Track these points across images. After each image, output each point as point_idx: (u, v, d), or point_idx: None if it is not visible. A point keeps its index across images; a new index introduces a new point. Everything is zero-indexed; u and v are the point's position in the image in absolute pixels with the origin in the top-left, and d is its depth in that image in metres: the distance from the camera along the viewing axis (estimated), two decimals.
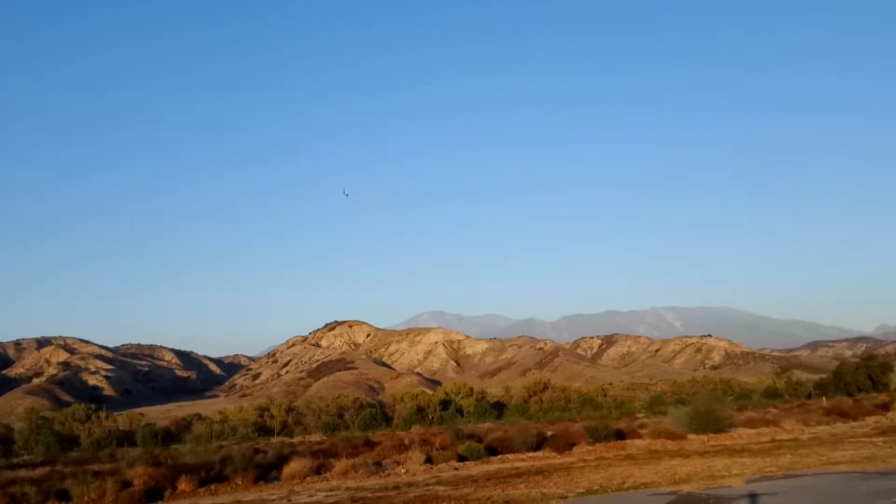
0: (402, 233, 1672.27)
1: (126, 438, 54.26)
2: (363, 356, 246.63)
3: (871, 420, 37.98)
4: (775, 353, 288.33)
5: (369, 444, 33.61)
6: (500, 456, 28.62)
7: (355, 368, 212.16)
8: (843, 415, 40.16)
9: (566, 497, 17.20)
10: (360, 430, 51.46)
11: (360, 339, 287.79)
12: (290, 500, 19.57)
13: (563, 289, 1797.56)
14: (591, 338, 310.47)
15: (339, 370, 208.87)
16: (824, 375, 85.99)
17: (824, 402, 52.79)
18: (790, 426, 35.78)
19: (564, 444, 30.42)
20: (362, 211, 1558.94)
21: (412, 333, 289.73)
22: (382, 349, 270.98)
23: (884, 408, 42.61)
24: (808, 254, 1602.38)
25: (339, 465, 25.56)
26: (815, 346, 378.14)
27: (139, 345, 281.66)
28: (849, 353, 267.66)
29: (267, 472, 25.69)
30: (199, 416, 71.00)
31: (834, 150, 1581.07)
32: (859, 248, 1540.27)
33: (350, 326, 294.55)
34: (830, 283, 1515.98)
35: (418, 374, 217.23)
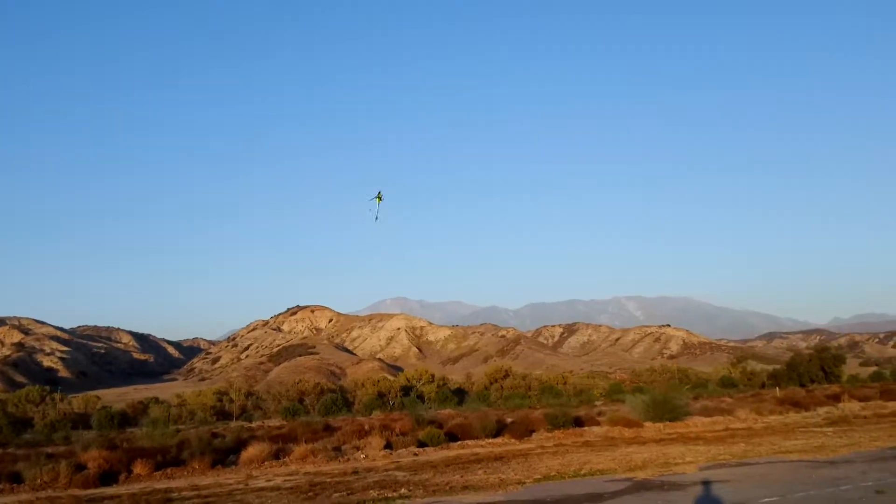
0: (365, 219, 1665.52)
1: (81, 421, 53.32)
2: (325, 341, 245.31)
3: (822, 410, 38.94)
4: (732, 344, 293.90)
5: (329, 430, 33.52)
6: (460, 442, 28.76)
7: (317, 353, 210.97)
8: (796, 405, 41.11)
9: (524, 483, 17.36)
10: (320, 415, 51.25)
11: (323, 324, 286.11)
12: (247, 485, 19.44)
13: (527, 277, 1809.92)
14: (553, 326, 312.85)
15: (301, 355, 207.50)
16: (778, 366, 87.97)
17: (778, 392, 53.98)
18: (744, 415, 36.51)
19: (524, 430, 30.67)
20: (327, 196, 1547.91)
21: (375, 319, 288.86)
22: (345, 334, 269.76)
23: (835, 399, 43.71)
24: (767, 247, 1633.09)
25: (299, 450, 25.44)
26: (770, 337, 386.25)
27: (96, 326, 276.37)
28: (803, 344, 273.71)
29: (225, 456, 25.47)
30: (157, 400, 70.15)
31: (791, 149, 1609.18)
32: (816, 243, 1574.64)
33: (312, 311, 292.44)
34: (787, 277, 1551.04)
35: (380, 359, 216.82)
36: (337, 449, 26.63)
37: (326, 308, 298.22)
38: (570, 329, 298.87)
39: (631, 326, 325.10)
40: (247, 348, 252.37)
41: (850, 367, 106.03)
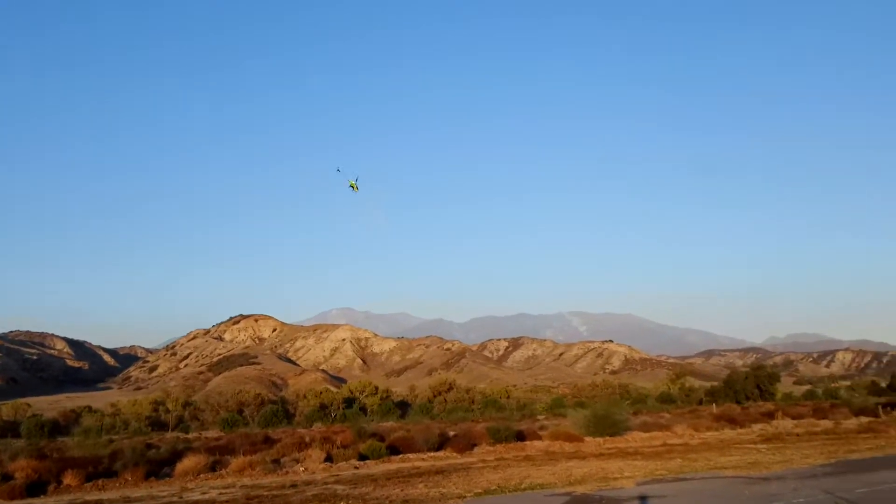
0: (313, 228, 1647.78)
1: (10, 429, 51.53)
2: (268, 351, 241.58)
3: (757, 427, 39.86)
4: (671, 360, 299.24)
5: (269, 442, 32.99)
6: (401, 455, 28.57)
7: (259, 364, 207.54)
8: (732, 421, 41.99)
9: (464, 497, 17.31)
10: (259, 426, 50.44)
11: (266, 333, 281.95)
12: (181, 498, 18.94)
13: (475, 291, 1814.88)
14: (499, 340, 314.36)
15: (242, 365, 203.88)
16: (716, 383, 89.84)
17: (714, 408, 55.02)
18: (681, 431, 37.13)
19: (466, 444, 30.64)
20: (274, 205, 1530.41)
21: (320, 329, 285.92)
22: (288, 345, 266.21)
23: (769, 416, 44.81)
24: (707, 267, 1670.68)
25: (236, 462, 24.96)
26: (708, 354, 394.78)
27: (29, 332, 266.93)
28: (740, 362, 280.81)
29: (159, 468, 24.85)
30: (90, 409, 68.24)
31: (736, 170, 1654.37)
32: (753, 263, 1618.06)
33: (256, 321, 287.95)
34: (726, 296, 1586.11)
35: (324, 371, 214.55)
36: (276, 461, 26.21)
37: (270, 318, 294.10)
38: (516, 343, 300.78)
39: (575, 341, 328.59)
40: (186, 357, 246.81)
41: (785, 385, 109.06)
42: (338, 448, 28.44)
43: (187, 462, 24.27)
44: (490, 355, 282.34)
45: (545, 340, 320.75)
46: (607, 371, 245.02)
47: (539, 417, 53.71)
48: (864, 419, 42.28)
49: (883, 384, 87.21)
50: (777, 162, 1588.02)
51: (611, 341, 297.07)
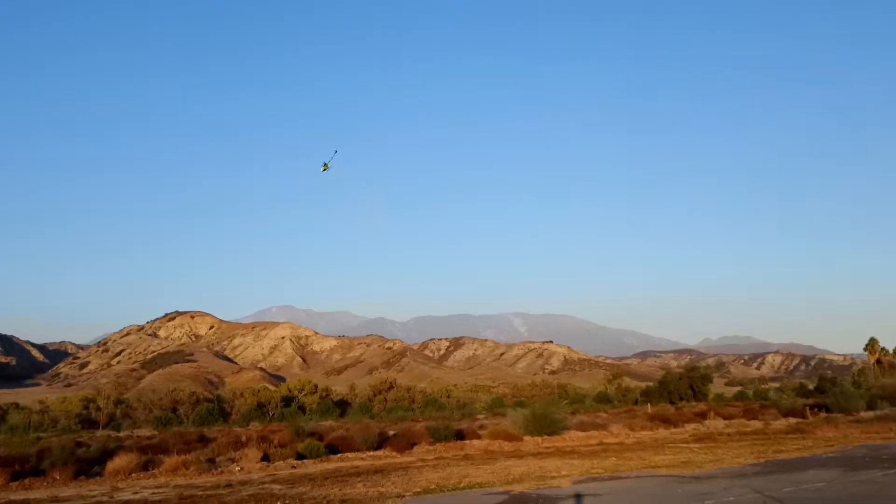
0: (253, 224, 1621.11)
1: None
2: (204, 349, 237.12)
3: (689, 427, 40.80)
4: (609, 361, 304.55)
5: (203, 441, 32.38)
6: (340, 454, 28.36)
7: (194, 361, 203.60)
8: (666, 421, 42.91)
9: (403, 496, 17.24)
10: (194, 425, 49.41)
11: (203, 331, 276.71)
12: (112, 497, 18.40)
13: (417, 290, 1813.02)
14: (440, 339, 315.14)
15: (177, 362, 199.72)
16: (651, 383, 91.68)
17: (649, 408, 56.09)
18: (617, 430, 37.79)
19: (406, 443, 30.58)
20: (215, 200, 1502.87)
21: (258, 327, 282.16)
22: (226, 342, 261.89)
23: (702, 416, 45.94)
24: (644, 270, 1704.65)
25: (169, 461, 24.42)
26: (644, 355, 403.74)
27: None
28: (674, 363, 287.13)
29: (89, 466, 24.18)
30: (17, 406, 65.90)
31: (674, 173, 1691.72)
32: (687, 267, 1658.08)
33: (192, 317, 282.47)
34: (662, 299, 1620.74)
35: (262, 369, 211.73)
36: (211, 461, 25.72)
37: (207, 314, 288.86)
38: (457, 343, 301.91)
39: (516, 342, 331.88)
40: (119, 354, 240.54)
41: (717, 386, 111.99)
42: (275, 447, 28.07)
43: (118, 461, 23.64)
44: (431, 355, 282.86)
45: (486, 340, 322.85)
46: (547, 371, 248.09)
47: (479, 417, 53.95)
48: (792, 420, 43.66)
49: (810, 386, 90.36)
50: (714, 165, 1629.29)
51: (551, 342, 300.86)
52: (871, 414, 45.45)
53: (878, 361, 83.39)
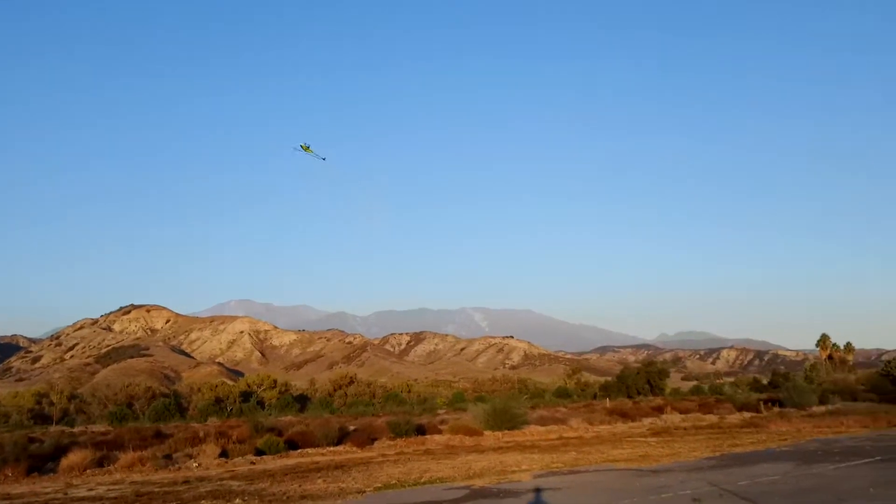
0: (211, 217, 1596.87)
1: None
2: (160, 343, 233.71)
3: (647, 421, 41.38)
4: (568, 356, 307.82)
5: (160, 437, 31.88)
6: (300, 450, 28.14)
7: (150, 356, 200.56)
8: (624, 415, 43.44)
9: (364, 492, 17.17)
10: (150, 421, 48.61)
11: (159, 324, 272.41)
12: (66, 494, 17.98)
13: (378, 284, 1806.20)
14: (401, 334, 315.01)
15: (132, 357, 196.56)
16: (609, 378, 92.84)
17: (608, 403, 56.79)
18: (577, 425, 38.16)
19: (366, 438, 30.48)
20: (172, 193, 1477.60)
21: (216, 321, 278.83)
22: (182, 336, 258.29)
23: (659, 410, 46.63)
24: (603, 266, 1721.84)
25: (125, 457, 23.97)
26: (603, 350, 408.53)
27: None
28: (632, 358, 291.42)
29: (42, 463, 23.62)
30: None
31: (634, 170, 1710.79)
32: (646, 263, 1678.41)
33: (148, 311, 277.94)
34: (620, 294, 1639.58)
35: (220, 363, 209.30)
36: (168, 457, 25.33)
37: (164, 308, 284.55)
38: (418, 337, 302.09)
39: (477, 337, 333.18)
40: (72, 348, 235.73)
41: (673, 380, 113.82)
42: (233, 443, 27.72)
43: (73, 457, 23.14)
44: (392, 349, 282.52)
45: (447, 335, 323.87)
46: (507, 366, 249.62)
47: (440, 412, 54.05)
48: (746, 414, 44.57)
49: (764, 381, 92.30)
50: (672, 162, 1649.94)
51: (511, 337, 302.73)
52: (822, 408, 46.62)
53: (830, 357, 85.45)
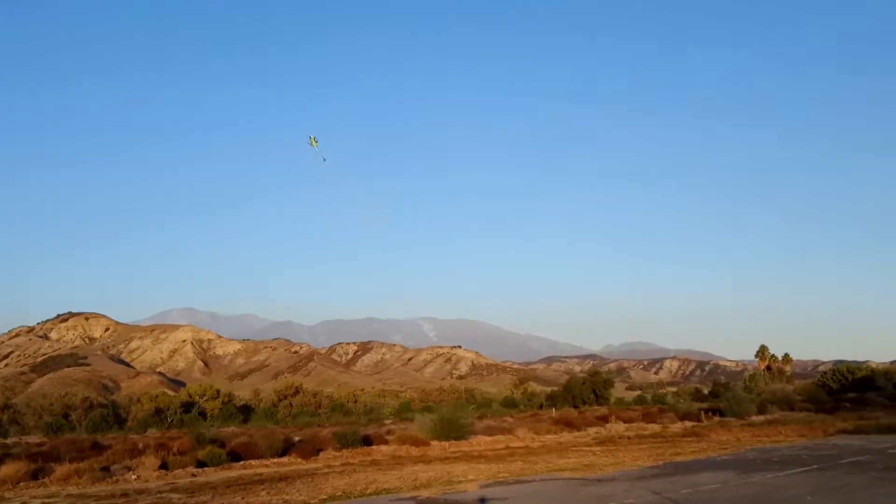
0: (154, 222, 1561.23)
1: None
2: (99, 352, 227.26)
3: (592, 431, 41.85)
4: (516, 366, 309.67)
5: (98, 448, 30.98)
6: (243, 462, 27.65)
7: (88, 365, 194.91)
8: (569, 425, 43.84)
9: None
10: (87, 432, 47.18)
11: (98, 333, 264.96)
12: None
13: (325, 293, 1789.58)
14: (348, 344, 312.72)
15: (70, 366, 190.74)
16: (556, 388, 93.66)
17: (554, 412, 57.27)
18: (523, 434, 38.36)
19: (311, 449, 30.11)
20: (113, 197, 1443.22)
21: (158, 330, 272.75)
22: (122, 345, 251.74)
23: (604, 420, 47.20)
24: (550, 277, 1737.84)
25: (61, 469, 23.22)
26: (550, 360, 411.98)
27: None
28: (578, 368, 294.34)
29: None
30: None
31: (576, 177, 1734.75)
32: (593, 273, 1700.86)
33: (87, 319, 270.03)
34: (567, 305, 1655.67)
35: (161, 373, 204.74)
36: (105, 469, 24.62)
37: (103, 316, 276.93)
38: (365, 347, 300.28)
39: (425, 346, 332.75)
40: (7, 356, 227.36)
41: (618, 390, 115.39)
42: (174, 455, 27.09)
43: (6, 469, 22.35)
44: (339, 359, 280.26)
45: (395, 345, 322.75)
46: (455, 376, 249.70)
47: (386, 422, 53.76)
48: (688, 423, 45.37)
49: (705, 391, 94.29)
50: (616, 172, 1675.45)
51: (459, 347, 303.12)
52: (761, 418, 47.73)
53: (768, 367, 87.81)
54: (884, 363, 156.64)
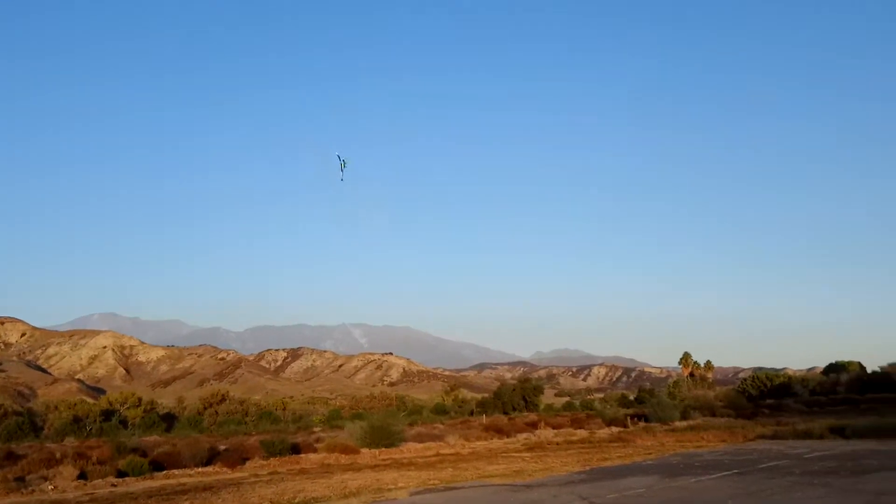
0: (72, 223, 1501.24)
1: None
2: (14, 358, 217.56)
3: (522, 437, 42.30)
4: (447, 373, 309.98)
5: (12, 458, 29.66)
6: (166, 471, 26.90)
7: (3, 371, 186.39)
8: (500, 431, 44.18)
9: None
10: (1, 441, 45.07)
11: (13, 338, 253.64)
12: None
13: (254, 299, 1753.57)
14: (277, 350, 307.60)
15: None
16: (487, 395, 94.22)
17: (484, 419, 57.54)
18: (453, 441, 38.45)
19: (237, 458, 29.49)
20: (29, 197, 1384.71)
21: (77, 335, 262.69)
22: (39, 351, 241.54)
23: (533, 426, 47.73)
24: (481, 283, 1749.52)
25: None
26: (481, 367, 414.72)
27: None
28: (509, 375, 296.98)
29: None
30: None
31: (510, 184, 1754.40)
32: (524, 280, 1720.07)
33: (1, 323, 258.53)
34: (499, 312, 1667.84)
35: (80, 380, 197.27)
36: (20, 479, 23.60)
37: (19, 320, 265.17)
38: (295, 354, 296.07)
39: (355, 353, 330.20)
40: None
41: (547, 397, 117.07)
42: (94, 464, 26.16)
43: None
44: (267, 366, 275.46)
45: (325, 352, 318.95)
46: (386, 383, 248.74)
47: (315, 430, 53.08)
48: (614, 429, 46.32)
49: (631, 397, 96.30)
50: (547, 178, 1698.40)
51: (390, 354, 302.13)
52: (684, 423, 49.07)
53: (691, 374, 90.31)
54: (801, 370, 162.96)
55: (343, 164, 36.75)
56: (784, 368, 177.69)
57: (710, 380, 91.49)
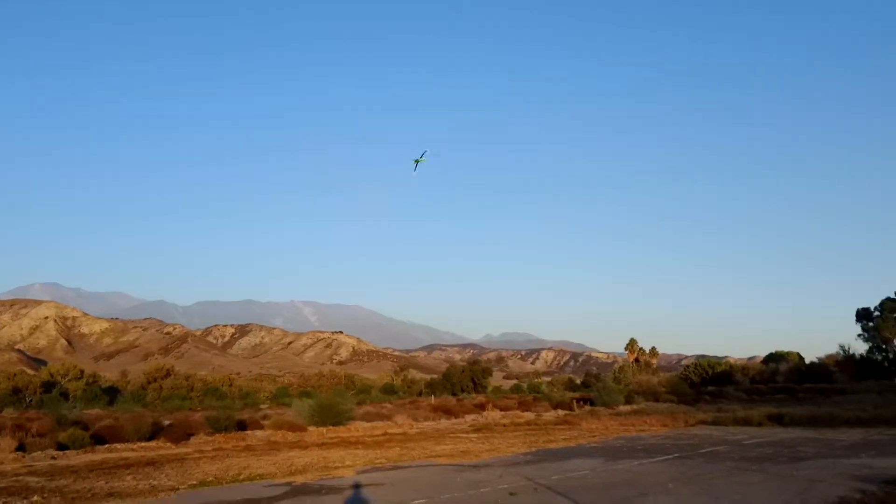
0: (14, 192, 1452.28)
1: None
2: None
3: (469, 418, 42.69)
4: (397, 353, 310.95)
5: None
6: (108, 445, 26.43)
7: None
8: (448, 412, 44.51)
9: (177, 489, 16.35)
10: None
11: None
12: None
13: (200, 272, 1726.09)
14: (225, 326, 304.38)
15: None
16: (436, 376, 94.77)
17: (433, 400, 57.91)
18: (402, 421, 38.60)
19: (182, 434, 29.14)
20: None
21: (17, 305, 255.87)
22: None
23: (481, 408, 48.21)
24: (432, 265, 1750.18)
25: None
26: (431, 348, 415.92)
27: None
28: (458, 357, 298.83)
29: None
30: None
31: (465, 175, 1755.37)
32: (474, 263, 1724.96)
33: None
34: (449, 294, 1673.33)
35: (20, 350, 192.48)
36: None
37: None
38: (243, 330, 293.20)
39: (305, 331, 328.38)
40: None
41: (496, 379, 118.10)
42: (33, 437, 25.60)
43: None
44: (215, 341, 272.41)
45: (274, 329, 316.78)
46: (335, 361, 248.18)
47: (262, 407, 52.78)
48: (560, 412, 47.04)
49: (578, 381, 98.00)
50: (499, 165, 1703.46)
51: (340, 332, 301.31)
52: (629, 408, 50.09)
53: (637, 360, 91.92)
54: (741, 359, 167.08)
55: (420, 161, 36.37)
56: (726, 357, 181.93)
57: (655, 366, 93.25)
